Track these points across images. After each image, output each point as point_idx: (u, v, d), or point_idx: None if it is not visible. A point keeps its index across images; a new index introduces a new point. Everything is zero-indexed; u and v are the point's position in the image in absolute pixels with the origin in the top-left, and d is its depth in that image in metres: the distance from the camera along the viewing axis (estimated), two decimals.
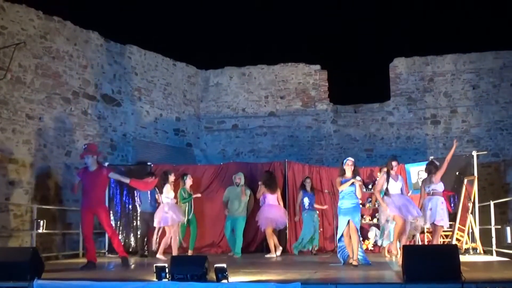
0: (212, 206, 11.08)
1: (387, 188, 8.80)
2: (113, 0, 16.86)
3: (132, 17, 17.09)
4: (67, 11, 12.61)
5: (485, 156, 12.85)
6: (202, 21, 19.42)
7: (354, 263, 7.83)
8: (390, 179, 8.77)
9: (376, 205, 11.41)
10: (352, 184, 8.06)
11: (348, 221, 7.99)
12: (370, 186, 11.55)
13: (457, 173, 10.89)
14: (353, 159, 8.33)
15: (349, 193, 8.10)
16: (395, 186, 8.77)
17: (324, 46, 18.78)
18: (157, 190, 10.69)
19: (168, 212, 9.73)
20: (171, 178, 10.19)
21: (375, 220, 11.37)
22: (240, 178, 10.59)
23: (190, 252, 10.43)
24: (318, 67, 15.51)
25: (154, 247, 10.37)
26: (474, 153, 10.85)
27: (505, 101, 14.20)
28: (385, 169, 8.98)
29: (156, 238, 10.35)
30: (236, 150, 15.45)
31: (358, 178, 8.12)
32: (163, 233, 10.13)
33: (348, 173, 8.17)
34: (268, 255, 10.38)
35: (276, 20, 19.15)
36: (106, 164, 11.81)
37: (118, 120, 13.33)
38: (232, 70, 15.89)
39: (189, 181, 10.53)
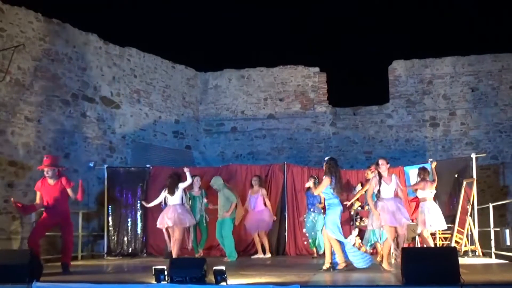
0: (210, 209, 11.04)
1: (379, 191, 7.86)
2: (112, 2, 16.87)
3: (131, 19, 17.08)
4: (66, 14, 12.63)
5: (484, 158, 12.86)
6: (201, 23, 19.44)
7: (338, 267, 7.67)
8: (382, 182, 7.83)
9: (367, 208, 11.40)
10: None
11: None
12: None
13: (456, 175, 10.91)
14: (325, 159, 8.01)
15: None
16: (387, 189, 7.84)
17: (323, 49, 18.81)
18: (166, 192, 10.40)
19: (168, 214, 9.65)
20: (198, 182, 10.39)
21: None
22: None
23: (198, 254, 10.41)
24: (317, 69, 15.51)
25: (169, 248, 10.17)
26: (473, 156, 10.88)
27: (504, 104, 14.21)
28: (375, 171, 8.02)
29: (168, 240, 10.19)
30: (235, 152, 15.45)
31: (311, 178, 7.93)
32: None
33: None
34: (255, 256, 10.63)
35: (275, 22, 19.19)
36: (105, 166, 11.89)
37: (117, 122, 13.33)
38: (231, 73, 15.89)
39: (196, 183, 10.55)
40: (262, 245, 10.81)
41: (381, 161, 7.90)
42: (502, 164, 13.93)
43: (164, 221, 9.62)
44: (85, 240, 11.68)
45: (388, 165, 7.93)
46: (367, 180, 10.43)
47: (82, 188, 8.31)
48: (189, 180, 9.80)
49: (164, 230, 9.95)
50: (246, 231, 11.10)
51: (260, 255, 10.70)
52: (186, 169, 9.86)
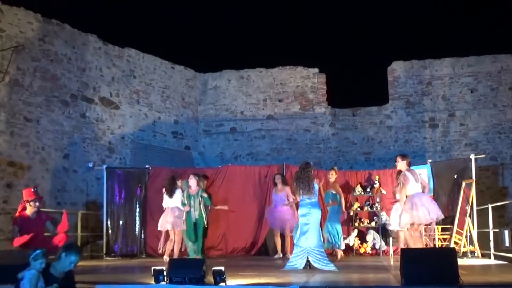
0: (215, 210, 10.97)
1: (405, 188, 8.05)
2: (111, 3, 16.88)
3: (131, 20, 17.11)
4: (65, 14, 12.65)
5: (483, 159, 12.86)
6: (200, 24, 19.46)
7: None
8: (412, 178, 8.03)
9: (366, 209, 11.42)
10: None
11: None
12: (368, 190, 11.59)
13: (455, 176, 10.92)
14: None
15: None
16: (415, 185, 8.02)
17: (323, 49, 18.84)
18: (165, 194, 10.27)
19: (167, 217, 9.67)
20: (192, 182, 9.73)
21: (373, 223, 11.38)
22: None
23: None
24: (316, 70, 15.52)
25: (161, 249, 10.09)
26: (472, 157, 10.88)
27: (503, 105, 14.21)
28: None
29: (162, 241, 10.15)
30: (234, 153, 15.45)
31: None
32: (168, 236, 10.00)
33: None
34: (276, 256, 10.54)
35: (275, 23, 19.21)
36: (105, 167, 11.87)
37: (116, 123, 13.32)
38: (230, 73, 15.89)
39: (193, 182, 9.74)
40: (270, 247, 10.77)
41: (397, 158, 8.41)
42: (501, 165, 13.94)
43: (165, 224, 9.71)
44: (84, 240, 11.66)
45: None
46: (333, 183, 10.42)
47: (67, 220, 8.10)
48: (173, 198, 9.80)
49: (163, 232, 9.99)
50: (245, 230, 11.06)
51: (279, 255, 10.51)
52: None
